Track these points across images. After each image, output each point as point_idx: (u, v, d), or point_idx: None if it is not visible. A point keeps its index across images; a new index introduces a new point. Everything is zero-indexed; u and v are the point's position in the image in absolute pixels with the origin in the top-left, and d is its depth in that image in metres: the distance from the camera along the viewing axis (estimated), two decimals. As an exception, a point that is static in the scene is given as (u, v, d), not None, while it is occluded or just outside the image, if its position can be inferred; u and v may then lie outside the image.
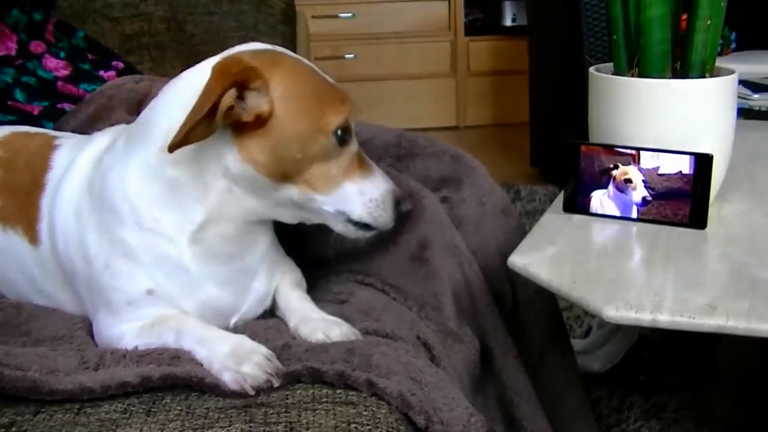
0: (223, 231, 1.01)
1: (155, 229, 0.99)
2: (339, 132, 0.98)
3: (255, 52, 0.98)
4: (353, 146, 1.02)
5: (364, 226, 1.03)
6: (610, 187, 1.14)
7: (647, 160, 1.11)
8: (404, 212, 1.08)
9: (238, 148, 0.95)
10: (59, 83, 1.46)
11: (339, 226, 1.03)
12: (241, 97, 0.93)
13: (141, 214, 0.99)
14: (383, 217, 1.03)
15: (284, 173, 0.97)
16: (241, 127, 0.95)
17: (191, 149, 0.95)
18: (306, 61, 1.02)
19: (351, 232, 1.03)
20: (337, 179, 1.00)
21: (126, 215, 1.00)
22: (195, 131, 0.90)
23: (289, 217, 1.03)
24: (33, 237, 1.09)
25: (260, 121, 0.94)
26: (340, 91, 1.00)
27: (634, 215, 1.13)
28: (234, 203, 0.99)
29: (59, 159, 1.12)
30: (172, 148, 0.91)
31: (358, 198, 1.01)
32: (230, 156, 0.96)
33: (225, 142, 0.96)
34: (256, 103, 0.94)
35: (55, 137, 1.19)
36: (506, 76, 4.37)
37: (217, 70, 0.92)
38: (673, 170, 1.10)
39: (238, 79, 0.92)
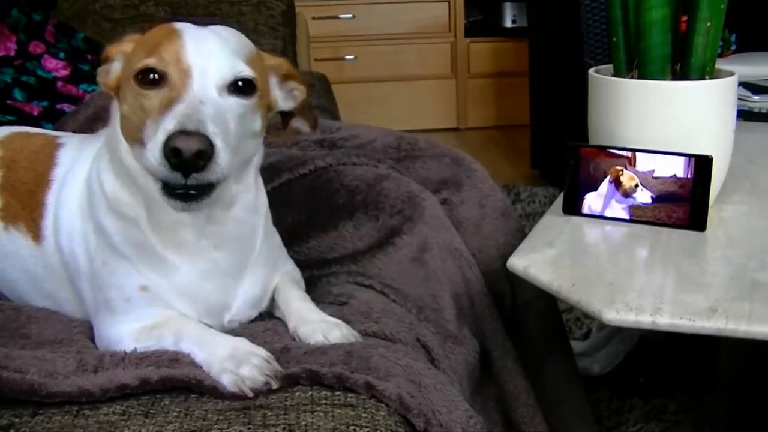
0: (170, 217, 0.97)
1: (119, 211, 1.00)
2: (140, 73, 0.90)
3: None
4: (171, 89, 0.89)
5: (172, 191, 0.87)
6: (611, 189, 1.14)
7: (643, 163, 1.11)
8: (175, 150, 0.83)
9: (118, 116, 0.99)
10: (59, 83, 1.47)
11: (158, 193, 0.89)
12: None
13: (106, 192, 1.01)
14: (155, 168, 0.85)
15: (133, 132, 0.93)
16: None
17: (110, 128, 1.01)
18: (180, 25, 0.96)
19: (167, 201, 0.88)
20: (144, 123, 0.90)
21: (99, 197, 1.02)
22: None
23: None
24: (36, 234, 1.10)
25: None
26: (172, 39, 0.92)
27: (633, 217, 1.13)
28: (149, 181, 0.94)
29: (64, 156, 1.13)
30: None
31: (150, 144, 0.86)
32: (117, 125, 0.99)
33: (117, 116, 1.00)
34: (110, 74, 1.01)
35: (57, 136, 1.20)
36: (506, 78, 4.37)
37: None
38: (667, 173, 1.10)
39: (104, 56, 1.01)
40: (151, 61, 0.90)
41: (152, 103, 0.90)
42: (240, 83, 0.92)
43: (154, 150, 0.84)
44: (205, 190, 0.87)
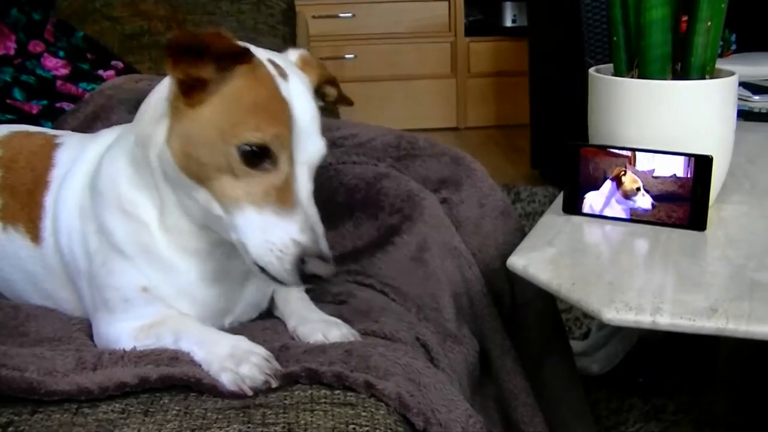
0: (183, 226, 0.98)
1: (130, 212, 0.99)
2: (250, 149, 0.88)
3: (266, 52, 0.97)
4: (277, 176, 0.90)
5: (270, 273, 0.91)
6: (611, 188, 1.14)
7: (642, 163, 1.11)
8: (317, 276, 0.89)
9: (168, 126, 0.94)
10: (58, 82, 1.46)
11: (247, 260, 0.91)
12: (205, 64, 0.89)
13: (119, 192, 1.00)
14: (277, 269, 0.89)
15: (193, 171, 0.92)
16: (178, 106, 0.92)
17: (149, 125, 0.96)
18: (278, 80, 0.93)
19: (257, 272, 0.92)
20: (239, 201, 0.90)
21: (109, 196, 1.00)
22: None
23: (219, 230, 0.95)
24: (35, 235, 1.09)
25: (192, 103, 0.90)
26: (285, 115, 0.91)
27: (633, 216, 1.13)
28: (170, 193, 0.97)
29: (63, 156, 1.13)
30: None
31: (257, 233, 0.89)
32: (161, 133, 0.94)
33: (165, 121, 0.94)
34: (208, 76, 0.89)
35: (56, 136, 1.19)
36: (507, 77, 4.37)
37: (218, 31, 0.89)
38: (667, 173, 1.10)
39: (219, 47, 0.88)
40: (266, 140, 0.89)
41: (256, 182, 0.89)
42: None
43: (283, 260, 0.88)
44: None
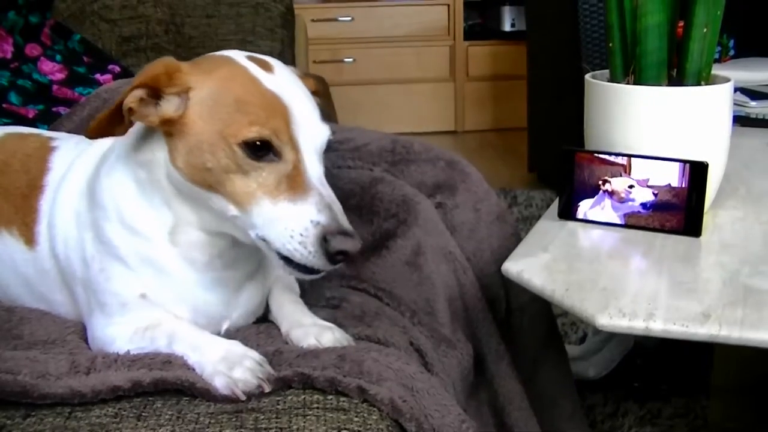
0: (195, 238, 0.99)
1: (135, 228, 0.99)
2: (252, 145, 0.89)
3: (206, 58, 0.98)
4: (284, 165, 0.91)
5: (298, 264, 0.90)
6: (606, 196, 1.14)
7: (637, 172, 1.11)
8: (342, 252, 0.88)
9: (168, 151, 0.95)
10: (54, 87, 1.46)
11: (272, 258, 0.92)
12: (159, 99, 0.93)
13: (122, 210, 1.00)
14: (303, 255, 0.89)
15: (205, 181, 0.93)
16: (169, 131, 0.94)
17: (149, 152, 0.97)
18: (259, 73, 0.94)
19: (284, 268, 0.92)
20: (253, 197, 0.91)
21: (111, 211, 1.00)
22: (111, 125, 0.94)
23: (237, 233, 0.96)
24: (29, 239, 1.09)
25: (179, 125, 0.93)
26: (277, 106, 0.91)
27: (628, 223, 1.13)
28: (186, 208, 0.97)
29: (58, 160, 1.12)
30: (89, 134, 0.95)
31: (276, 224, 0.90)
32: (163, 158, 0.96)
33: (162, 145, 0.96)
34: (166, 106, 0.92)
35: (51, 138, 1.19)
36: (505, 81, 4.38)
37: (140, 72, 0.93)
38: (662, 182, 1.10)
39: (144, 82, 0.91)
40: (265, 134, 0.90)
41: (264, 176, 0.90)
42: None
43: (305, 242, 0.88)
44: None
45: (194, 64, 0.96)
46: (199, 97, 0.92)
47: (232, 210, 0.92)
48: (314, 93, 1.01)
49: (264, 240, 0.91)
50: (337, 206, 0.91)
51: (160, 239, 0.99)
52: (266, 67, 0.95)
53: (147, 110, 0.92)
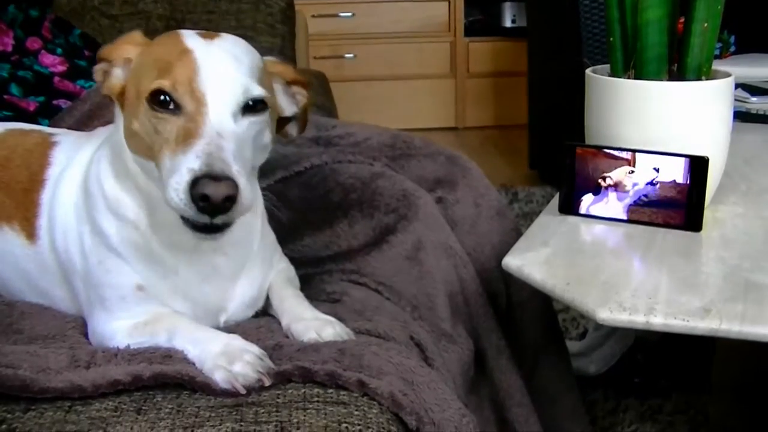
0: (172, 219, 0.93)
1: (119, 213, 1.00)
2: (157, 98, 0.89)
3: (162, 35, 1.01)
4: (185, 116, 0.89)
5: (189, 221, 0.87)
6: (609, 189, 1.14)
7: (643, 169, 1.11)
8: (204, 196, 0.83)
9: (123, 124, 0.98)
10: (56, 79, 1.46)
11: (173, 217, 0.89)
12: None
13: (106, 194, 1.01)
14: (179, 206, 0.85)
15: (141, 149, 0.94)
16: (121, 105, 0.98)
17: (117, 132, 0.99)
18: (189, 39, 0.94)
19: (184, 229, 0.89)
20: (160, 151, 0.89)
21: (97, 198, 1.01)
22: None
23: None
24: (30, 233, 1.09)
25: (123, 96, 0.97)
26: (186, 61, 0.90)
27: (630, 217, 1.13)
28: (153, 186, 0.96)
29: (59, 155, 1.13)
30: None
31: (168, 179, 0.86)
32: (121, 133, 0.98)
33: (120, 120, 0.99)
34: (114, 78, 0.98)
35: (52, 134, 1.19)
36: (505, 78, 4.37)
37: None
38: (667, 179, 1.10)
39: (99, 56, 0.99)
40: (165, 84, 0.89)
41: (168, 129, 0.89)
42: (251, 102, 0.92)
43: (178, 190, 0.84)
44: (229, 223, 0.88)
45: (142, 38, 1.00)
46: (134, 65, 0.96)
47: (156, 172, 0.91)
48: (303, 85, 1.04)
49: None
50: (224, 152, 0.85)
51: (142, 224, 0.99)
52: (209, 37, 0.96)
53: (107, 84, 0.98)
